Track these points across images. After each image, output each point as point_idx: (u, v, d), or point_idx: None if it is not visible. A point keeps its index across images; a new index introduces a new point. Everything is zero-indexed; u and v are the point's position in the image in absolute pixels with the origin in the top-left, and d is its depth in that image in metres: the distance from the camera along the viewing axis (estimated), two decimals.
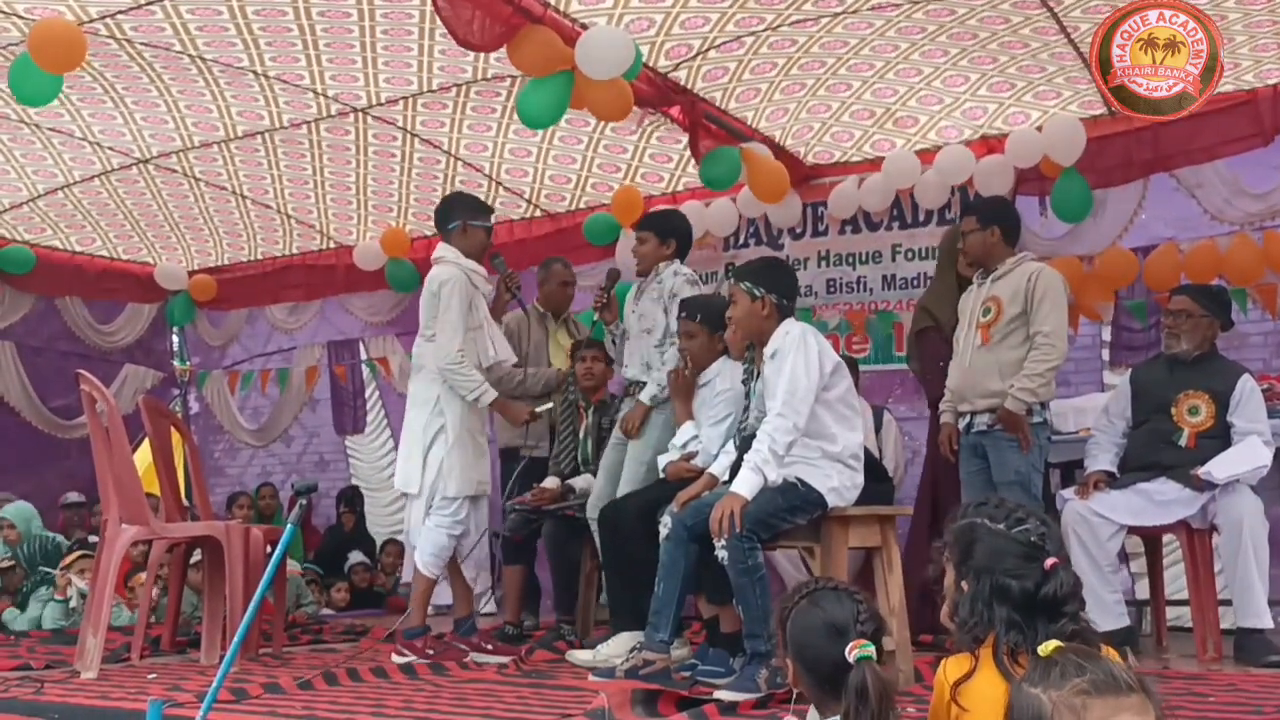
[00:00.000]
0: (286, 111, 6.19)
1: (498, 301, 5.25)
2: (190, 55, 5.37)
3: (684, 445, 4.49)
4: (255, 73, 5.63)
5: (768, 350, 3.95)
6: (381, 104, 6.10)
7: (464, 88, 5.85)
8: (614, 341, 5.33)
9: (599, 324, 5.48)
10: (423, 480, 4.76)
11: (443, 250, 4.97)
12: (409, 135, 6.47)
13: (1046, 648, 1.91)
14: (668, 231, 4.99)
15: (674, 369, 4.65)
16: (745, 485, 3.73)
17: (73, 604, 6.14)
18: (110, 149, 6.71)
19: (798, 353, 3.83)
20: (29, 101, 5.11)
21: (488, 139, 6.51)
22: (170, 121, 6.30)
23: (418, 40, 5.24)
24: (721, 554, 3.73)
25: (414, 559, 4.85)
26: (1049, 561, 2.21)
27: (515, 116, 6.09)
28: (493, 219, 5.25)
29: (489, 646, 4.80)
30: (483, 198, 7.33)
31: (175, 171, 7.05)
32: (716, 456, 4.29)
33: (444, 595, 6.52)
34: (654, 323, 4.88)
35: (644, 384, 4.89)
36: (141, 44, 5.22)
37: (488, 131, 6.42)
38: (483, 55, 5.39)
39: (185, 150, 6.76)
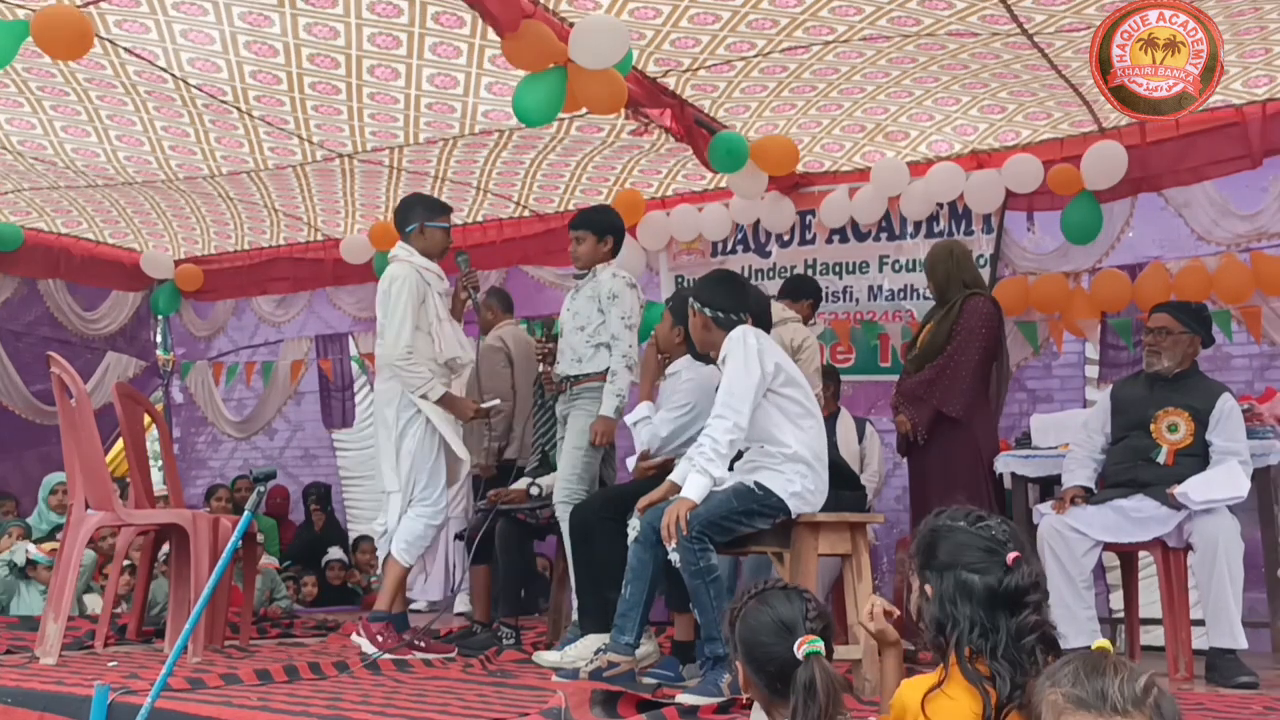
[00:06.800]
0: (272, 158, 6.19)
1: (455, 301, 5.19)
2: (175, 77, 5.29)
3: (635, 424, 4.48)
4: (239, 110, 5.61)
5: (720, 357, 3.95)
6: (367, 151, 6.09)
7: (451, 143, 5.83)
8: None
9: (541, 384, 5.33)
10: (399, 475, 4.75)
11: (398, 250, 5.02)
12: (395, 171, 6.45)
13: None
14: (605, 229, 4.96)
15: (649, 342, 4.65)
16: (693, 488, 3.73)
17: None
18: (85, 168, 6.65)
19: (735, 353, 3.84)
20: None
21: (475, 166, 6.53)
22: (146, 144, 6.21)
23: (404, 90, 5.26)
24: (674, 557, 3.72)
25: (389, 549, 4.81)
26: (1011, 555, 2.20)
27: (504, 150, 6.15)
28: (452, 218, 5.25)
29: (420, 644, 4.73)
30: (470, 204, 7.37)
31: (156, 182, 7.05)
32: (663, 439, 4.35)
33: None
34: (587, 320, 4.86)
35: (575, 378, 4.87)
36: (124, 47, 5.06)
37: (475, 162, 6.44)
38: (470, 111, 5.45)
39: (170, 181, 6.77)
